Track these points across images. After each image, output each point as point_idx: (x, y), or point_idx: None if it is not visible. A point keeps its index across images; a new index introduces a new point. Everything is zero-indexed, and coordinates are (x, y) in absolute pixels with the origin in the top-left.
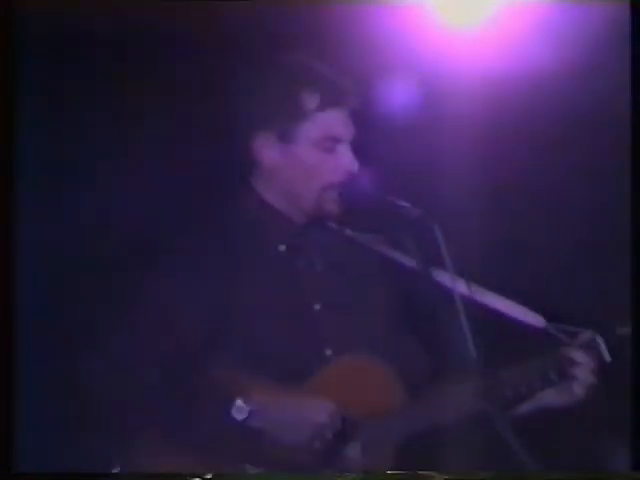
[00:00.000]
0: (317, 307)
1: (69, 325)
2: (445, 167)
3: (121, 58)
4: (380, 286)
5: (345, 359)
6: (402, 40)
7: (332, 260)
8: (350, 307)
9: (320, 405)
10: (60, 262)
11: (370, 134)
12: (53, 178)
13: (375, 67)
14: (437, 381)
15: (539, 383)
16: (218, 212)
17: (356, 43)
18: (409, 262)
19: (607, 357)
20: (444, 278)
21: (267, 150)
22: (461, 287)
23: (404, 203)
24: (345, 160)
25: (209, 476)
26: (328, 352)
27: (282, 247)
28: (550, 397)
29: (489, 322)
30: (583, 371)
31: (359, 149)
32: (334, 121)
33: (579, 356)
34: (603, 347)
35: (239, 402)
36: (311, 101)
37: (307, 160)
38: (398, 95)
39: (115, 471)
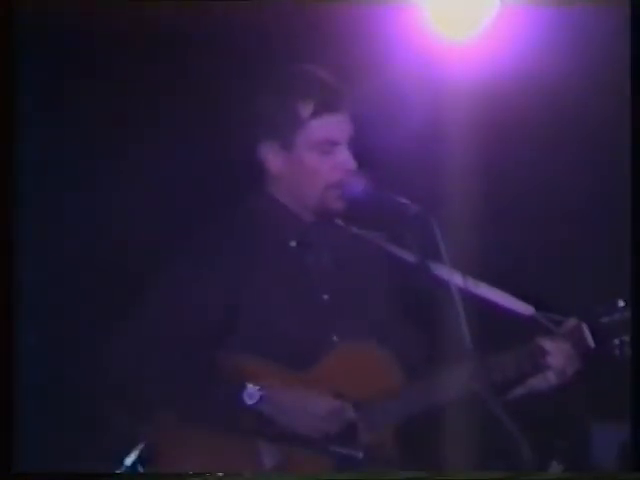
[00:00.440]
0: (325, 297)
1: (69, 325)
2: (442, 165)
3: (121, 58)
4: (382, 278)
5: (350, 345)
6: (398, 41)
7: (339, 255)
8: (355, 297)
9: (325, 394)
10: (66, 260)
11: (368, 134)
12: (53, 178)
13: (371, 68)
14: (434, 366)
15: (528, 368)
16: (234, 211)
17: (351, 45)
18: (409, 257)
19: (591, 344)
20: (441, 271)
21: (272, 158)
22: (457, 279)
23: (404, 200)
24: (343, 160)
25: (210, 476)
26: (335, 338)
27: (293, 243)
28: (537, 381)
29: (482, 311)
30: (567, 357)
31: (358, 149)
32: (330, 126)
33: (564, 342)
34: (588, 334)
35: (250, 387)
36: (307, 108)
37: (308, 163)
38: (395, 95)
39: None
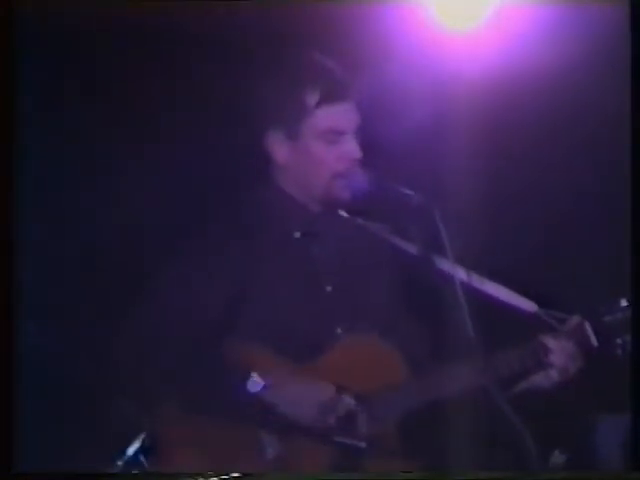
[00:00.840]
0: (329, 289)
1: (69, 324)
2: (447, 159)
3: (121, 58)
4: (387, 271)
5: (354, 337)
6: (405, 33)
7: (343, 246)
8: (359, 290)
9: (328, 385)
10: (67, 257)
11: (373, 125)
12: (53, 178)
13: (377, 59)
14: (437, 359)
15: (531, 365)
16: (241, 201)
17: (358, 37)
18: (412, 249)
19: (594, 342)
20: (444, 264)
21: (278, 147)
22: (460, 273)
23: (407, 191)
24: (349, 149)
25: (210, 476)
26: (338, 330)
27: (297, 233)
28: (540, 379)
29: (486, 307)
30: (569, 355)
31: (363, 139)
32: (337, 115)
33: (567, 340)
34: (591, 332)
35: (254, 376)
36: (313, 98)
37: (314, 153)
38: (400, 86)
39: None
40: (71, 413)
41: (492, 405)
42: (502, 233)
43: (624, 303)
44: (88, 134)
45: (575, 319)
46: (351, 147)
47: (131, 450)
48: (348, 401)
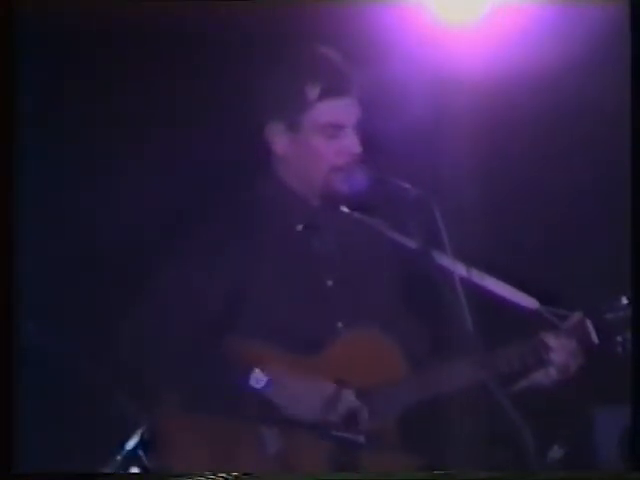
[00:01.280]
0: (330, 283)
1: (70, 324)
2: (446, 153)
3: (122, 57)
4: (386, 266)
5: (354, 333)
6: (406, 29)
7: (344, 241)
8: (359, 284)
9: (329, 380)
10: (68, 255)
11: (372, 120)
12: (53, 178)
13: (378, 55)
14: (438, 354)
15: (532, 362)
16: (242, 194)
17: (359, 33)
18: (413, 245)
19: (595, 339)
20: (443, 259)
21: (278, 139)
22: (459, 268)
23: (406, 185)
24: (348, 144)
25: (210, 476)
26: (339, 325)
27: (299, 227)
28: (541, 375)
29: (487, 304)
30: (570, 352)
31: (362, 134)
32: (337, 109)
33: (568, 338)
34: (592, 330)
35: (257, 371)
36: (314, 91)
37: (314, 146)
38: (400, 81)
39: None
40: (71, 413)
41: (492, 402)
42: (503, 229)
43: (625, 301)
44: (88, 134)
45: (576, 316)
46: (351, 142)
47: (130, 445)
48: (349, 396)
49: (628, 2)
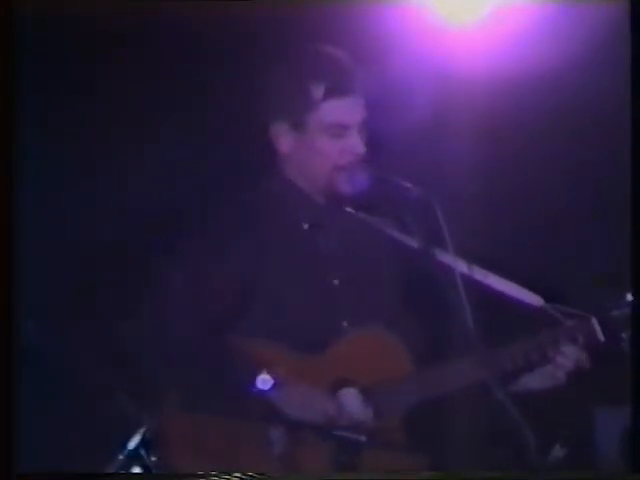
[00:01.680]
0: (336, 282)
1: (70, 324)
2: (449, 152)
3: (122, 57)
4: (390, 265)
5: (360, 332)
6: (410, 29)
7: (349, 240)
8: (364, 283)
9: (333, 379)
10: (69, 256)
11: (376, 119)
12: (53, 178)
13: (381, 55)
14: (442, 353)
15: (536, 359)
16: (248, 193)
17: (362, 33)
18: (417, 244)
19: (601, 337)
20: (446, 258)
21: (282, 138)
22: (462, 267)
23: (408, 184)
24: (352, 143)
25: (210, 476)
26: (344, 324)
27: (305, 225)
28: (545, 373)
29: (491, 301)
30: (575, 350)
31: (367, 133)
32: (342, 109)
33: (573, 335)
34: (597, 327)
35: (264, 374)
36: (319, 91)
37: (318, 145)
38: (404, 82)
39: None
40: (71, 413)
41: (496, 399)
42: (506, 227)
43: (630, 298)
44: (88, 134)
45: (581, 314)
46: (355, 141)
47: (132, 444)
48: (353, 395)
49: (628, 2)
